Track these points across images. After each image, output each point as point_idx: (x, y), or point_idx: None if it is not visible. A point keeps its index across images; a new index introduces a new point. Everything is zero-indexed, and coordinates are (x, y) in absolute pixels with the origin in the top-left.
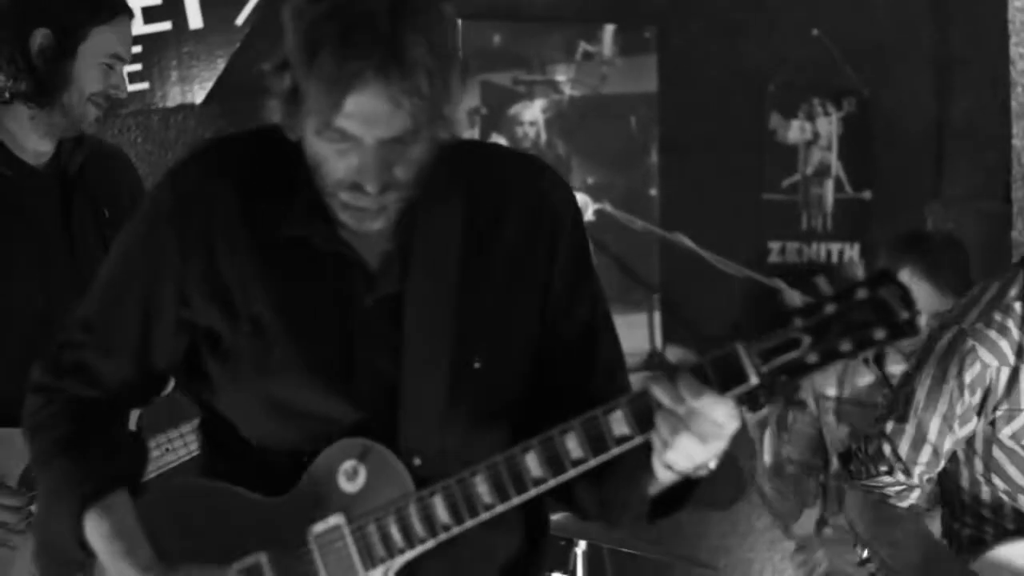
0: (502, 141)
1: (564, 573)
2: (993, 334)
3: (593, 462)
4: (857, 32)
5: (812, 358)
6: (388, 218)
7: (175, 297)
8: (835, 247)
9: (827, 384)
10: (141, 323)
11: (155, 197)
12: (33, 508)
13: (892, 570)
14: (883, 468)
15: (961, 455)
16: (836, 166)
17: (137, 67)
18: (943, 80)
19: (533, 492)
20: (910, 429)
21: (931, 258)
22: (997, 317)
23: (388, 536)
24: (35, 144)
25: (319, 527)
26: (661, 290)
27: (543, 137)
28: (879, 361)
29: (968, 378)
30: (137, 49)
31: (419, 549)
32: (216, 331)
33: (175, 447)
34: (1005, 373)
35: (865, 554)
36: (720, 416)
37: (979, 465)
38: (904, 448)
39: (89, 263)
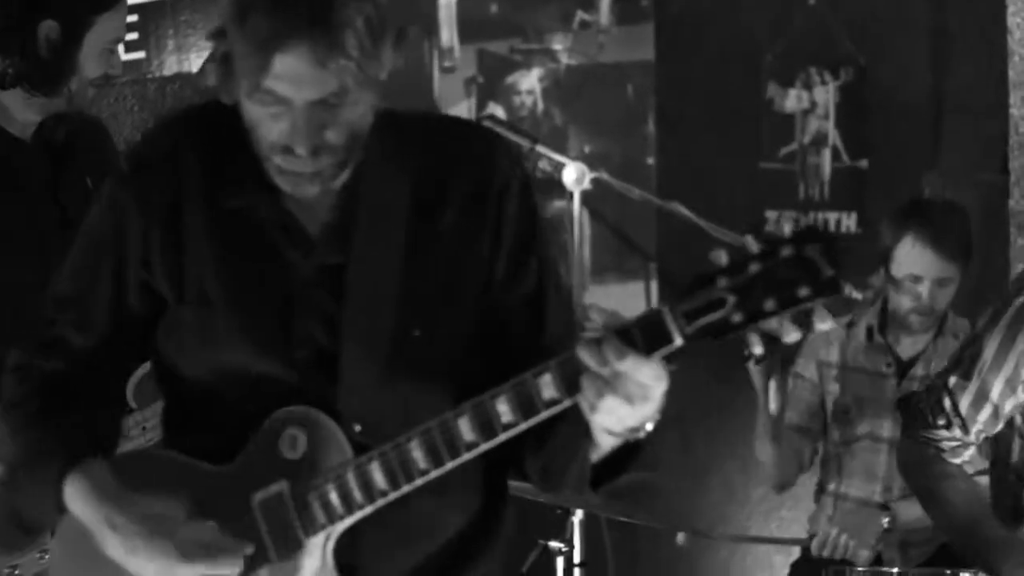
0: (499, 110)
1: (561, 542)
2: None
3: (523, 425)
4: (854, 1)
5: (737, 317)
6: (324, 183)
7: (139, 263)
8: (832, 216)
9: (829, 351)
10: (113, 294)
11: (117, 170)
12: None
13: (940, 525)
14: (941, 422)
15: (1019, 419)
16: (833, 135)
17: (133, 36)
18: (940, 50)
19: (466, 456)
20: (972, 387)
21: (933, 225)
22: None
23: (328, 503)
24: (24, 117)
25: (262, 495)
26: (658, 259)
27: (540, 106)
28: (883, 331)
29: None
30: (133, 18)
31: (358, 515)
32: (166, 298)
33: (152, 426)
34: None
35: (887, 524)
36: (645, 377)
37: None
38: (964, 404)
39: None
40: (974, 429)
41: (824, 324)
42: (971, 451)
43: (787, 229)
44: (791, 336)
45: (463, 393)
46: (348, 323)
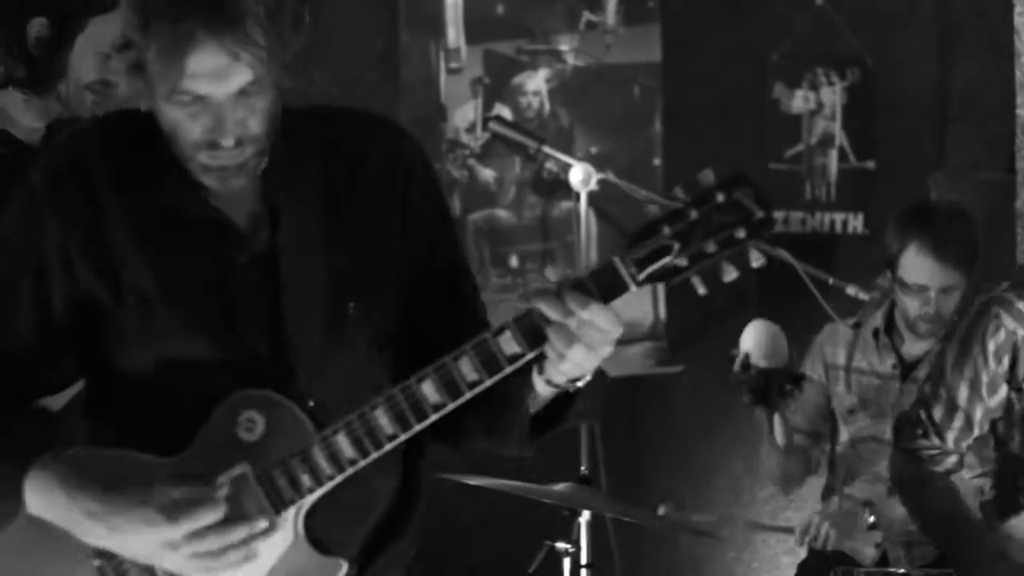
0: (505, 111)
1: (568, 543)
2: (1022, 303)
3: (488, 382)
4: (861, 1)
5: (682, 261)
6: (249, 174)
7: (62, 277)
8: (839, 217)
9: (836, 353)
10: (36, 311)
11: (28, 184)
12: None
13: (924, 532)
14: (919, 431)
15: (1002, 425)
16: (840, 136)
17: None
18: (947, 50)
19: (433, 418)
20: (943, 395)
21: (936, 233)
22: None
23: (295, 477)
24: (28, 122)
25: (223, 478)
26: None
27: (546, 107)
28: (889, 334)
29: (992, 345)
30: None
31: (328, 486)
32: (101, 304)
33: None
34: None
35: (872, 519)
36: (606, 323)
37: (1017, 434)
38: (938, 414)
39: None
40: (949, 437)
41: (757, 263)
42: (953, 459)
43: (713, 176)
44: (729, 276)
45: (405, 363)
46: (287, 304)
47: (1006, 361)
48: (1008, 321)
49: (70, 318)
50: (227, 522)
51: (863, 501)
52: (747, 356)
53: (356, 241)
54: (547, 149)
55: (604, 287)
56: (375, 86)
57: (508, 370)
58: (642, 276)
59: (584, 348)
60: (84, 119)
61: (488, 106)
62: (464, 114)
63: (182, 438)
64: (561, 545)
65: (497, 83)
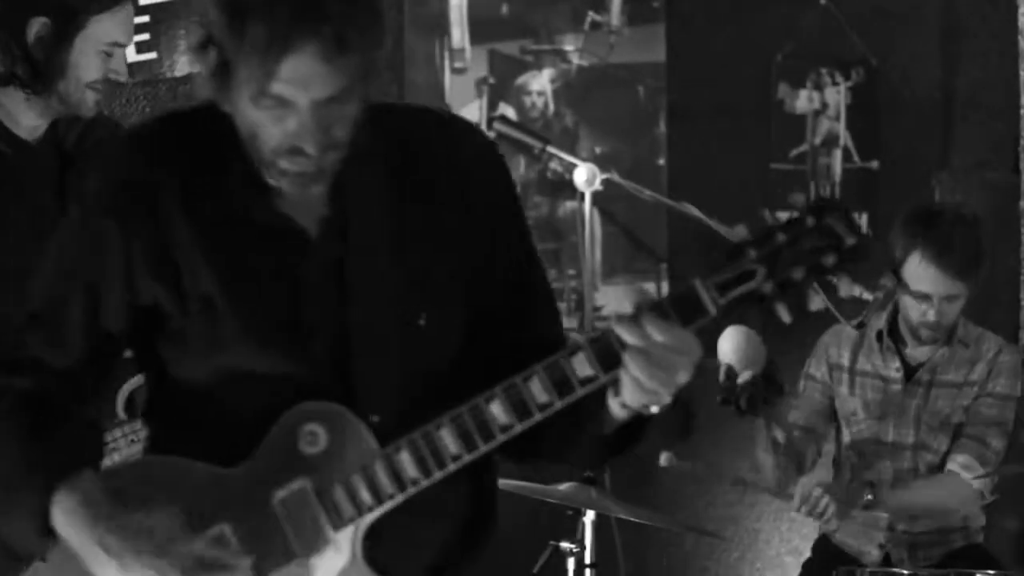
0: (510, 111)
1: (572, 543)
2: None
3: (559, 404)
4: (865, 1)
5: (768, 287)
6: (326, 180)
7: (121, 285)
8: None
9: (840, 354)
10: (87, 317)
11: (89, 188)
12: None
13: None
14: None
15: None
16: (844, 136)
17: (145, 36)
18: (951, 50)
19: (501, 439)
20: None
21: (941, 242)
22: None
23: (356, 495)
24: (30, 120)
25: (282, 492)
26: (669, 260)
27: (551, 107)
28: (892, 337)
29: None
30: (145, 19)
31: (388, 505)
32: (164, 311)
33: (140, 437)
34: None
35: (870, 497)
36: (684, 348)
37: None
38: None
39: None
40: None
41: (815, 306)
42: None
43: (803, 199)
44: (816, 305)
45: (474, 378)
46: (355, 316)
47: None
48: None
49: (123, 327)
50: (279, 563)
51: (866, 481)
52: (729, 368)
53: (427, 250)
54: (551, 149)
55: (684, 311)
56: (380, 86)
57: (580, 393)
58: (724, 300)
59: (661, 373)
60: (85, 117)
61: (492, 106)
62: (468, 114)
63: (244, 448)
64: (565, 545)
65: (501, 83)
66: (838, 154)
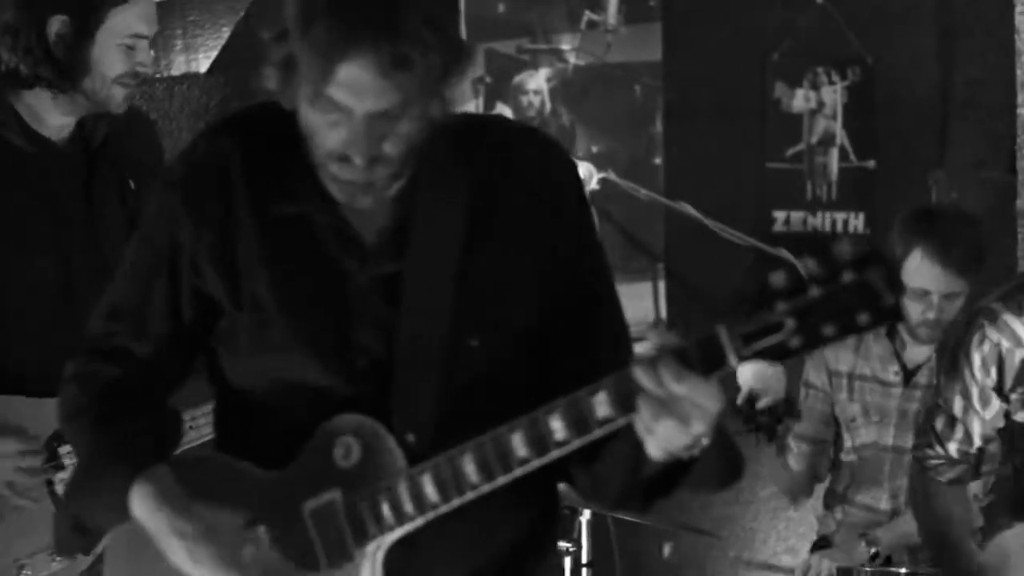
0: (506, 110)
1: (568, 542)
2: (1008, 315)
3: (576, 443)
4: (862, 1)
5: (795, 342)
6: (377, 194)
7: (189, 266)
8: (840, 216)
9: (839, 359)
10: (168, 303)
11: (167, 173)
12: (58, 477)
13: (922, 537)
14: (925, 441)
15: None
16: (841, 135)
17: None
18: (948, 49)
19: (518, 472)
20: (943, 406)
21: (941, 239)
22: (1018, 298)
23: (379, 513)
24: (56, 120)
25: (314, 503)
26: (665, 259)
27: (547, 106)
28: (891, 336)
29: (977, 359)
30: None
31: (408, 527)
32: (221, 305)
33: (199, 424)
34: (1020, 354)
35: (873, 550)
36: (702, 399)
37: (1019, 444)
38: (939, 424)
39: (110, 237)
40: (951, 448)
41: (918, 348)
42: (959, 469)
43: (847, 251)
44: (847, 364)
45: (519, 402)
46: (403, 332)
47: (994, 373)
48: (992, 333)
49: (196, 313)
50: (303, 571)
51: (860, 528)
52: (751, 392)
53: (493, 272)
54: None
55: (705, 359)
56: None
57: (597, 434)
58: (747, 352)
59: (674, 423)
60: (115, 113)
61: (489, 105)
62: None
63: (287, 455)
64: (562, 544)
65: (498, 82)
66: (835, 153)
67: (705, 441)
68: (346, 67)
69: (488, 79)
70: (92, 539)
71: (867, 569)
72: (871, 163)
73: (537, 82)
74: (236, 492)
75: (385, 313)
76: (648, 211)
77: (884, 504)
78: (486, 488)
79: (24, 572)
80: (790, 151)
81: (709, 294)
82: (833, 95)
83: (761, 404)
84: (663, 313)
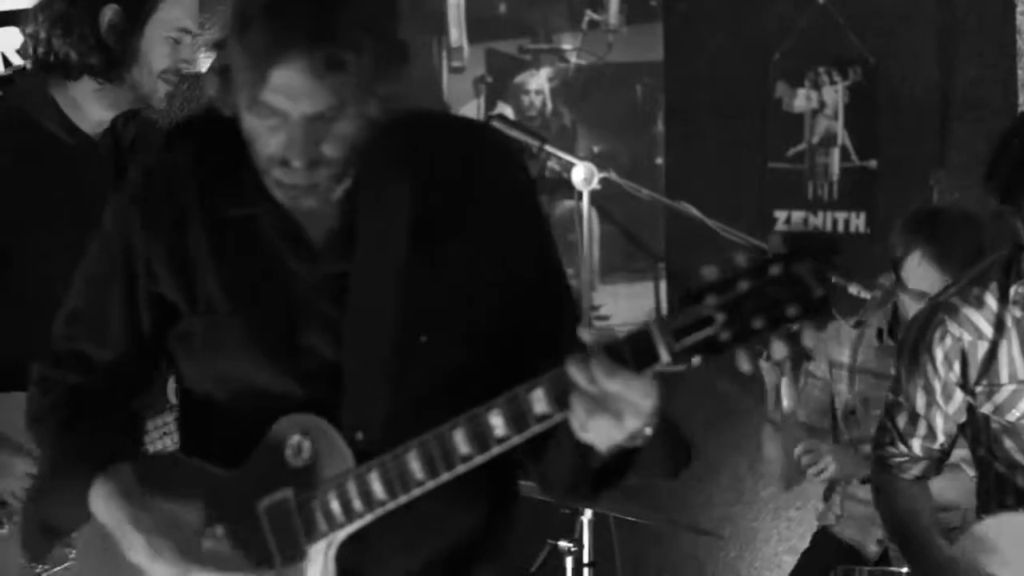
0: (507, 110)
1: (570, 542)
2: (967, 308)
3: (516, 439)
4: (863, 0)
5: (725, 336)
6: (320, 196)
7: (145, 271)
8: (841, 216)
9: (840, 351)
10: (126, 307)
11: (127, 179)
12: None
13: (888, 538)
14: (887, 439)
15: (969, 431)
16: (842, 135)
17: None
18: (949, 49)
19: (461, 469)
20: (904, 403)
21: (941, 242)
22: (974, 291)
23: (329, 511)
24: (97, 115)
25: (267, 501)
26: (666, 259)
27: (549, 106)
28: (892, 333)
29: (939, 354)
30: None
31: (358, 523)
32: (177, 308)
33: (172, 430)
34: (983, 347)
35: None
36: (634, 395)
37: (983, 437)
38: (901, 421)
39: None
40: (914, 444)
41: (780, 354)
42: (922, 465)
43: (776, 244)
44: (779, 353)
45: (471, 399)
46: (350, 331)
47: (957, 367)
48: (953, 327)
49: (155, 318)
50: (258, 568)
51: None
52: None
53: (443, 268)
54: (549, 148)
55: (637, 355)
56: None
57: (536, 429)
58: (679, 347)
59: (607, 418)
60: (154, 109)
61: (490, 105)
62: (467, 113)
63: (245, 454)
64: (563, 544)
65: (499, 82)
66: (836, 153)
67: (648, 432)
68: (279, 71)
69: (489, 79)
70: (55, 539)
71: (868, 568)
72: (872, 163)
73: (538, 82)
74: (194, 490)
75: (334, 313)
76: (649, 211)
77: None
78: (431, 485)
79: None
80: (791, 151)
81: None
82: (834, 95)
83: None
84: (664, 311)
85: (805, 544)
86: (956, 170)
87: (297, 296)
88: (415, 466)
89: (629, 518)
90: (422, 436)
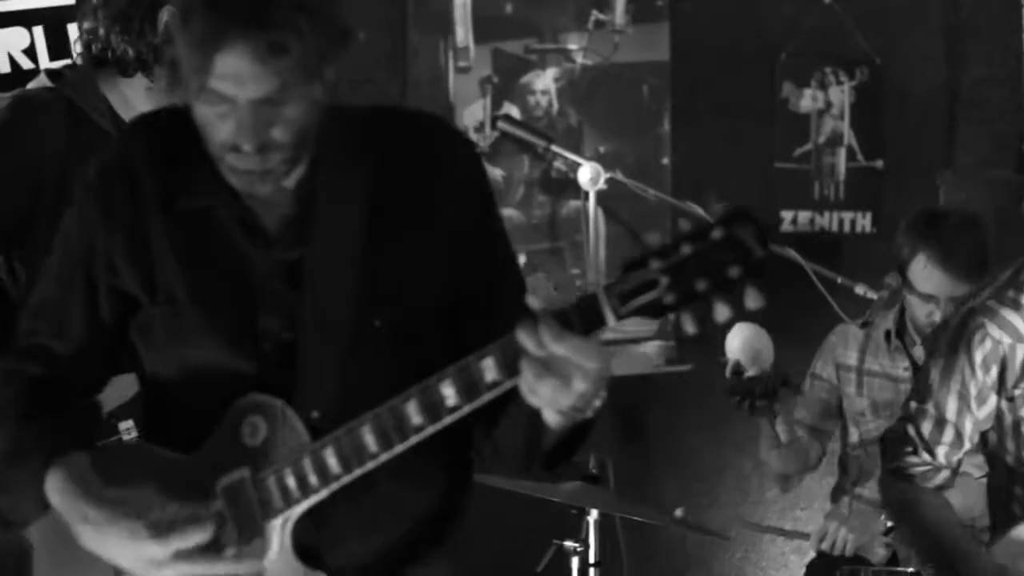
0: (514, 110)
1: (576, 542)
2: (1005, 311)
3: (467, 408)
4: (869, 1)
5: (669, 298)
6: (275, 181)
7: (105, 265)
8: (847, 216)
9: (847, 354)
10: (86, 300)
11: (84, 179)
12: None
13: (916, 552)
14: (908, 448)
15: (993, 436)
16: (848, 135)
17: None
18: (955, 49)
19: (414, 439)
20: (931, 410)
21: (946, 245)
22: (1010, 294)
23: (285, 487)
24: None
25: (225, 480)
26: None
27: (555, 106)
28: (900, 336)
29: (979, 356)
30: None
31: (314, 499)
32: (137, 300)
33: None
34: (1021, 350)
35: (890, 523)
36: (582, 358)
37: (1010, 445)
38: (926, 429)
39: None
40: (939, 452)
41: (755, 304)
42: (944, 474)
43: (717, 210)
44: (723, 315)
45: (422, 376)
46: (306, 314)
47: (994, 371)
48: (994, 330)
49: (115, 311)
50: (217, 544)
51: (877, 503)
52: (737, 364)
53: (397, 254)
54: (556, 148)
55: (584, 319)
56: (384, 84)
57: (487, 397)
58: (624, 310)
59: (556, 382)
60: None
61: (497, 105)
62: (473, 113)
63: (201, 437)
64: (569, 544)
65: (505, 82)
66: (842, 153)
67: (597, 403)
68: (223, 57)
69: (495, 79)
70: (12, 531)
71: (874, 568)
72: (879, 163)
73: (544, 82)
74: (152, 475)
75: (289, 297)
76: (655, 211)
77: None
78: (384, 457)
79: None
80: (798, 151)
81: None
82: (841, 95)
83: (749, 375)
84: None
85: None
86: (962, 170)
87: (254, 282)
88: (369, 439)
89: (635, 518)
90: (376, 409)
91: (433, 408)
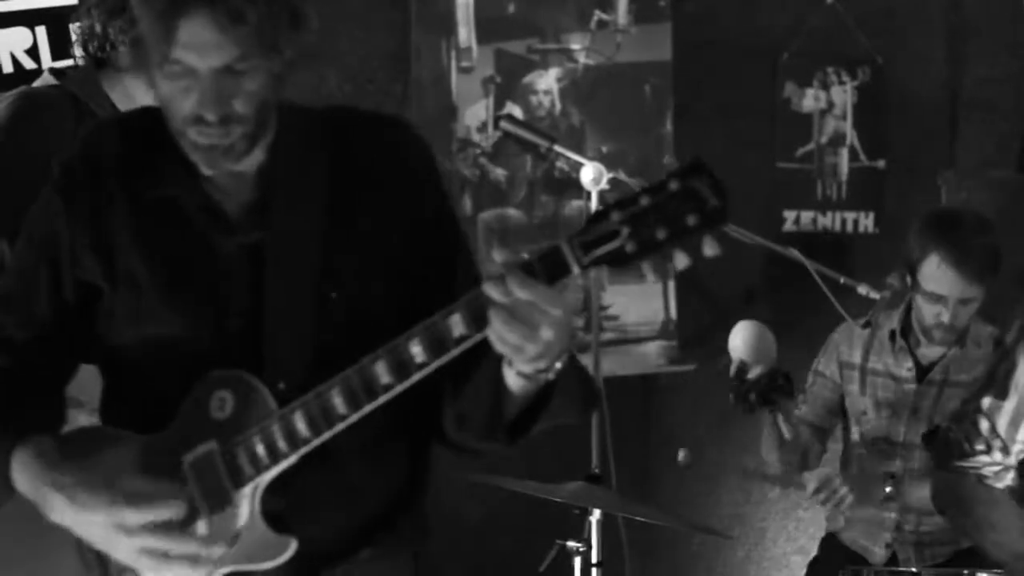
0: (516, 110)
1: (578, 542)
2: None
3: (435, 364)
4: (871, 1)
5: (630, 247)
6: (237, 157)
7: (69, 257)
8: (850, 216)
9: (851, 352)
10: (51, 292)
11: (50, 174)
12: None
13: (993, 554)
14: (980, 447)
15: None
16: (851, 135)
17: None
18: (958, 49)
19: (383, 398)
20: (1009, 405)
21: (960, 246)
22: None
23: (255, 454)
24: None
25: (191, 455)
26: None
27: (557, 106)
28: (905, 336)
29: None
30: None
31: (284, 464)
32: (99, 288)
33: None
34: None
35: (889, 490)
36: (547, 305)
37: None
38: (1003, 424)
39: None
40: (1015, 449)
41: (712, 251)
42: (1012, 474)
43: (673, 164)
44: (681, 263)
45: (381, 346)
46: (269, 291)
47: None
48: None
49: (79, 302)
50: (190, 520)
51: (887, 473)
52: (742, 363)
53: (351, 238)
54: (558, 148)
55: (549, 269)
56: (386, 85)
57: (454, 352)
58: (587, 259)
59: (524, 329)
60: None
61: (499, 105)
62: (475, 113)
63: (167, 417)
64: (572, 544)
65: (508, 82)
66: (844, 153)
67: (559, 365)
68: (185, 26)
69: (498, 79)
70: None
71: (874, 568)
72: (881, 163)
73: (547, 82)
74: (124, 454)
75: (252, 277)
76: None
77: None
78: (354, 417)
79: None
80: (800, 151)
81: (719, 294)
82: (843, 95)
83: (752, 374)
84: (673, 313)
85: (814, 544)
86: (964, 170)
87: (217, 264)
88: (338, 400)
89: (638, 518)
90: (344, 372)
91: (402, 366)
